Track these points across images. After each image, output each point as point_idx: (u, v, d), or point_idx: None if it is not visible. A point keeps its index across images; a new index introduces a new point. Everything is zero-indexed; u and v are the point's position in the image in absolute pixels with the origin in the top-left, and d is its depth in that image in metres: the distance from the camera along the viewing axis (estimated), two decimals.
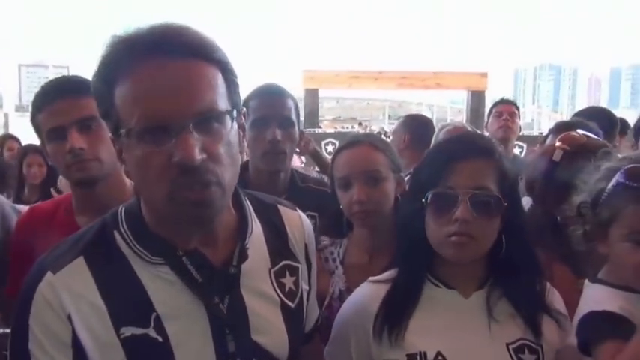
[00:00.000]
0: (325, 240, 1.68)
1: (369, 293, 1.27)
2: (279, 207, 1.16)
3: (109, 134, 0.96)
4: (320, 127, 12.01)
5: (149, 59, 0.87)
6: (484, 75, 12.86)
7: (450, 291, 1.22)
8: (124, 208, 1.01)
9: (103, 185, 1.53)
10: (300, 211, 1.20)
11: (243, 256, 1.01)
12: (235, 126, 0.95)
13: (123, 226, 0.98)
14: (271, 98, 1.88)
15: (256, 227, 1.07)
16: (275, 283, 1.07)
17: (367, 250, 1.60)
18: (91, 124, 1.48)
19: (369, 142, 1.62)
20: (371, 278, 1.30)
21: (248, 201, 1.09)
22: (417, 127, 3.24)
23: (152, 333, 0.93)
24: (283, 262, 1.10)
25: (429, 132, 3.20)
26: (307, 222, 1.19)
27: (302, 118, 7.00)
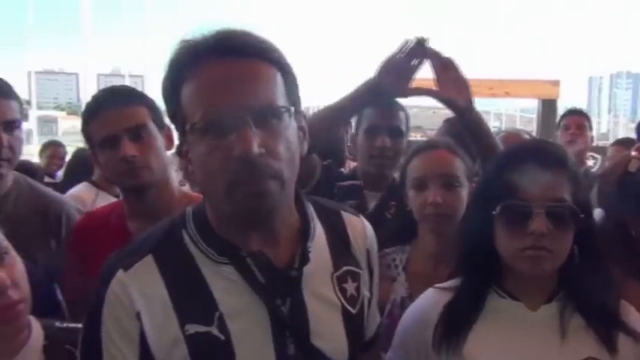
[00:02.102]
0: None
1: (431, 301, 1.26)
2: (343, 213, 1.17)
3: (159, 139, 0.99)
4: None
5: (212, 59, 0.92)
6: (556, 83, 12.30)
7: (516, 303, 1.18)
8: (191, 209, 1.05)
9: (153, 192, 1.59)
10: (363, 218, 1.20)
11: (305, 258, 1.02)
12: (294, 124, 0.98)
13: (190, 226, 1.01)
14: (384, 108, 1.99)
15: (319, 231, 1.08)
16: (337, 288, 1.07)
17: (431, 258, 1.59)
18: (142, 133, 1.54)
19: (448, 146, 1.61)
20: (435, 285, 1.29)
21: (311, 205, 1.11)
22: (457, 131, 3.15)
23: (215, 331, 0.95)
24: (345, 268, 1.10)
25: None
26: (370, 228, 1.19)
27: None
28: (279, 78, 0.96)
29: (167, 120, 1.40)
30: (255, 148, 0.88)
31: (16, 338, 1.04)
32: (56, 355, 1.09)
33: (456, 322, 1.19)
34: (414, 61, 1.75)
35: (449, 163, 1.57)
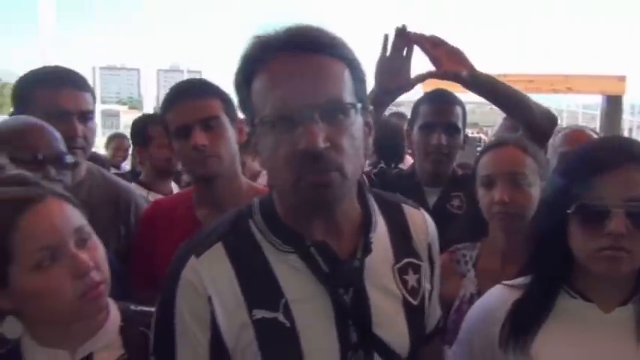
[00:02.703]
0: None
1: (498, 298, 1.24)
2: (404, 206, 1.18)
3: (230, 131, 1.01)
4: None
5: (282, 54, 0.94)
6: (622, 78, 11.86)
7: (588, 304, 1.15)
8: (258, 200, 1.08)
9: (221, 182, 1.64)
10: (423, 211, 1.21)
11: (367, 249, 1.04)
12: (361, 120, 0.99)
13: (257, 216, 1.05)
14: (440, 104, 2.00)
15: (380, 224, 1.10)
16: (398, 280, 1.08)
17: (502, 256, 1.56)
18: (213, 124, 1.60)
19: (518, 143, 1.57)
20: (503, 282, 1.26)
21: (373, 198, 1.12)
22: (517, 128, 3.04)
23: (281, 317, 0.98)
24: (407, 260, 1.11)
25: None
26: (431, 221, 1.20)
27: None
28: (347, 74, 0.98)
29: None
30: (321, 143, 0.91)
31: (96, 318, 1.10)
32: (132, 336, 1.14)
33: (524, 321, 1.16)
34: (404, 52, 1.74)
35: (517, 161, 1.53)
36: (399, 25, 1.71)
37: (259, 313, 0.98)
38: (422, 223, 1.17)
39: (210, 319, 0.98)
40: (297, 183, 0.94)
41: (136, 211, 1.86)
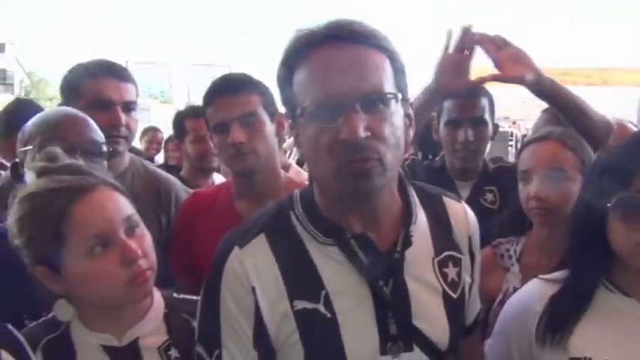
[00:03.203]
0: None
1: (536, 292, 1.23)
2: (444, 198, 1.18)
3: (268, 126, 1.04)
4: None
5: (324, 45, 0.96)
6: None
7: (628, 299, 1.13)
8: (299, 192, 1.10)
9: (260, 176, 1.67)
10: (464, 203, 1.21)
11: (407, 242, 1.05)
12: (401, 111, 1.00)
13: (298, 208, 1.07)
14: (464, 99, 1.94)
15: (421, 216, 1.10)
16: (438, 273, 1.09)
17: (546, 250, 1.55)
18: (251, 120, 1.62)
19: (559, 138, 1.54)
20: (540, 276, 1.26)
21: (414, 191, 1.13)
22: (560, 121, 2.95)
23: (322, 309, 1.00)
24: (447, 253, 1.11)
25: None
26: (471, 214, 1.19)
27: None
28: (387, 65, 0.99)
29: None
30: (362, 133, 0.92)
31: (142, 303, 1.14)
32: (176, 323, 1.18)
33: (562, 315, 1.16)
34: (466, 52, 1.69)
35: (556, 156, 1.51)
36: (465, 24, 1.67)
37: (300, 304, 1.00)
38: (463, 215, 1.17)
39: (254, 308, 1.00)
40: (337, 173, 0.95)
41: (177, 202, 1.90)
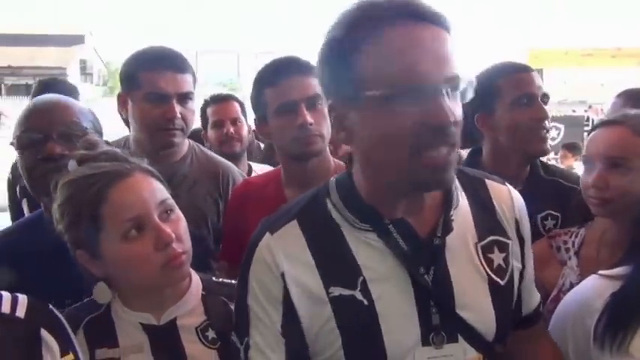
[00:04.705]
0: None
1: (595, 288, 1.15)
2: (487, 181, 1.12)
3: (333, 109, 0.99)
4: None
5: (397, 23, 0.89)
6: None
7: None
8: (334, 179, 1.06)
9: (317, 160, 1.63)
10: (509, 185, 1.14)
11: (447, 227, 1.00)
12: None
13: (334, 195, 1.03)
14: (531, 74, 1.72)
15: (462, 200, 1.05)
16: (482, 259, 1.03)
17: (608, 243, 1.42)
18: (318, 102, 1.57)
19: (632, 124, 1.40)
20: (600, 272, 1.17)
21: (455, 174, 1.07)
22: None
23: (359, 295, 0.96)
24: (491, 238, 1.05)
25: None
26: (518, 196, 1.12)
27: None
28: (454, 47, 0.93)
29: None
30: (452, 118, 0.88)
31: (179, 285, 1.16)
32: (213, 304, 1.19)
33: (623, 315, 1.07)
34: None
35: (622, 143, 1.38)
36: None
37: (336, 291, 0.97)
38: (507, 197, 1.10)
39: (283, 295, 0.98)
40: (411, 159, 0.90)
41: (234, 187, 1.91)
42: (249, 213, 1.70)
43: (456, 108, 0.90)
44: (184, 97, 1.77)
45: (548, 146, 1.73)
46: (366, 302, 0.96)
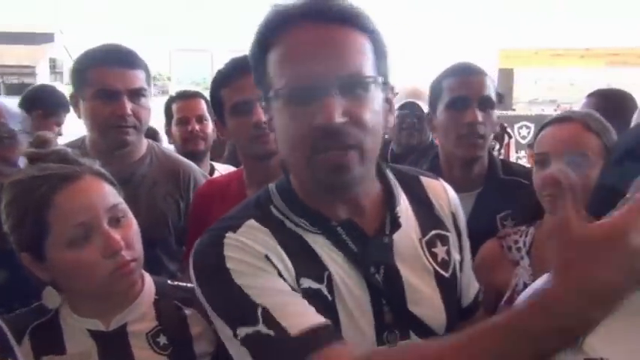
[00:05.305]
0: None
1: None
2: (421, 177, 1.14)
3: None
4: (514, 110, 11.32)
5: (301, 24, 0.90)
6: None
7: None
8: (274, 185, 1.04)
9: (277, 159, 1.58)
10: (442, 180, 1.16)
11: (395, 224, 1.01)
12: (381, 95, 0.94)
13: (277, 201, 1.01)
14: (470, 77, 1.73)
15: (403, 198, 1.06)
16: (428, 254, 1.04)
17: None
18: None
19: (582, 120, 1.41)
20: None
21: (391, 173, 1.08)
22: (611, 105, 2.50)
23: (324, 290, 0.95)
24: (433, 232, 1.07)
25: (632, 111, 2.37)
26: (451, 191, 1.15)
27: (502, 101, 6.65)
28: (368, 47, 0.93)
29: None
30: (338, 117, 0.86)
31: (129, 292, 1.12)
32: (165, 309, 1.16)
33: None
34: None
35: (578, 140, 1.39)
36: None
37: (306, 283, 0.94)
38: (442, 192, 1.13)
39: (278, 272, 0.91)
40: (311, 160, 0.90)
41: (196, 187, 1.88)
42: (212, 213, 1.67)
43: (354, 108, 0.88)
44: (136, 94, 1.73)
45: (480, 151, 1.71)
46: (330, 298, 0.95)
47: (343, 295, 0.95)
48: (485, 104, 1.69)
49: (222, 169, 2.65)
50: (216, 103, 1.65)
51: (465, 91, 1.68)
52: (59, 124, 3.16)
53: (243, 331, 0.87)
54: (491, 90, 1.71)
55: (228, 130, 1.64)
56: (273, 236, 0.95)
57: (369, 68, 0.91)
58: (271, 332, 0.85)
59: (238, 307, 0.89)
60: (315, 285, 0.94)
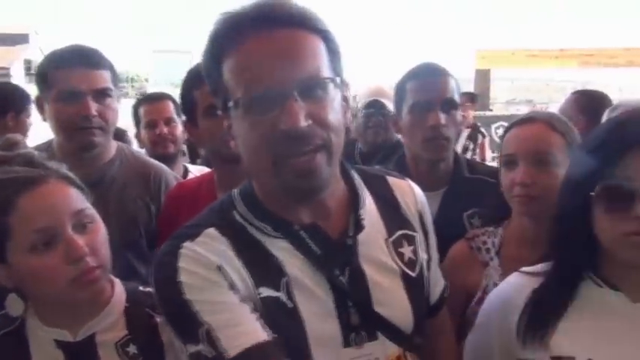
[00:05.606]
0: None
1: (517, 285, 1.16)
2: (388, 177, 1.14)
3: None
4: (491, 110, 11.45)
5: (254, 31, 0.89)
6: None
7: (615, 293, 1.06)
8: (237, 190, 1.04)
9: None
10: (409, 180, 1.17)
11: (358, 226, 1.01)
12: (339, 95, 0.95)
13: (240, 207, 1.01)
14: (432, 79, 1.74)
15: (368, 199, 1.06)
16: (394, 254, 1.05)
17: (527, 242, 1.43)
18: None
19: (547, 120, 1.44)
20: (522, 269, 1.19)
21: (356, 174, 1.08)
22: (593, 106, 2.70)
23: (283, 297, 0.95)
24: (400, 232, 1.07)
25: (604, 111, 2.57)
26: (418, 190, 1.15)
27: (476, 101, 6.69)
28: (322, 47, 0.94)
29: None
30: (303, 121, 0.86)
31: (97, 300, 1.10)
32: (136, 317, 1.13)
33: (544, 310, 1.09)
34: None
35: (544, 140, 1.41)
36: None
37: (265, 291, 0.94)
38: (409, 192, 1.14)
39: (229, 285, 0.91)
40: (278, 167, 0.90)
41: (167, 190, 1.86)
42: (183, 216, 1.66)
43: (316, 110, 0.89)
44: (101, 94, 1.70)
45: (445, 152, 1.73)
46: (290, 305, 0.95)
47: (305, 300, 0.95)
48: (449, 106, 1.70)
49: (196, 170, 2.63)
50: (188, 104, 1.63)
51: (427, 94, 1.70)
52: (29, 116, 3.09)
53: (189, 348, 0.90)
54: (454, 91, 1.73)
55: (199, 131, 1.62)
56: (231, 245, 0.96)
57: (325, 69, 0.92)
58: (212, 352, 0.87)
59: (186, 324, 0.90)
60: (273, 293, 0.94)
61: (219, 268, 0.92)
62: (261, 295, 0.94)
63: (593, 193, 1.01)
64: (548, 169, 1.39)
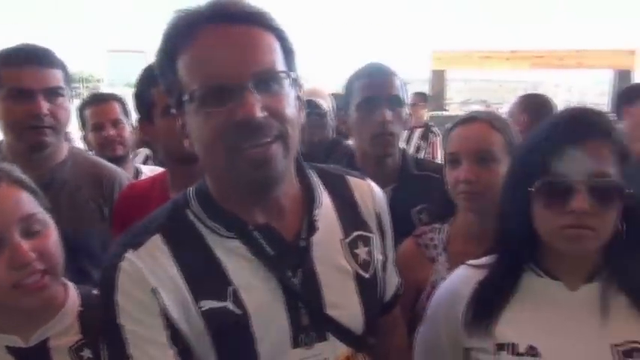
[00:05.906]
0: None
1: (462, 278, 1.21)
2: (347, 177, 1.15)
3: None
4: (446, 110, 11.66)
5: (208, 27, 0.90)
6: (632, 52, 11.64)
7: (554, 282, 1.12)
8: (192, 188, 1.04)
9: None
10: (370, 180, 1.18)
11: (312, 228, 1.02)
12: (293, 92, 0.96)
13: (194, 204, 1.01)
14: (379, 77, 1.80)
15: (325, 199, 1.07)
16: (349, 255, 1.06)
17: (474, 236, 1.49)
18: None
19: (487, 119, 1.49)
20: (468, 262, 1.24)
21: (314, 173, 1.09)
22: (535, 107, 2.89)
23: (230, 306, 0.95)
24: (356, 233, 1.08)
25: (550, 113, 2.71)
26: (378, 190, 1.17)
27: (428, 101, 6.80)
28: (276, 44, 0.95)
29: None
30: (259, 112, 0.87)
31: (49, 305, 1.08)
32: (91, 321, 1.12)
33: (488, 301, 1.14)
34: None
35: (485, 138, 1.46)
36: None
37: (207, 304, 0.94)
38: (368, 192, 1.14)
39: (160, 310, 0.93)
40: (232, 159, 0.90)
41: (120, 191, 1.83)
42: (135, 217, 1.64)
43: (272, 102, 0.90)
44: (52, 93, 1.67)
45: (392, 148, 1.79)
46: (239, 312, 0.95)
47: (255, 303, 0.95)
48: (394, 103, 1.76)
49: (148, 170, 2.59)
50: (144, 103, 1.60)
51: (374, 92, 1.76)
52: None
53: None
54: (399, 89, 1.79)
55: (155, 130, 1.60)
56: (173, 256, 0.96)
57: (280, 65, 0.93)
58: None
59: (116, 347, 0.94)
60: (218, 304, 0.94)
61: (154, 292, 0.93)
62: (203, 309, 0.94)
63: (532, 189, 1.06)
64: (490, 167, 1.44)
